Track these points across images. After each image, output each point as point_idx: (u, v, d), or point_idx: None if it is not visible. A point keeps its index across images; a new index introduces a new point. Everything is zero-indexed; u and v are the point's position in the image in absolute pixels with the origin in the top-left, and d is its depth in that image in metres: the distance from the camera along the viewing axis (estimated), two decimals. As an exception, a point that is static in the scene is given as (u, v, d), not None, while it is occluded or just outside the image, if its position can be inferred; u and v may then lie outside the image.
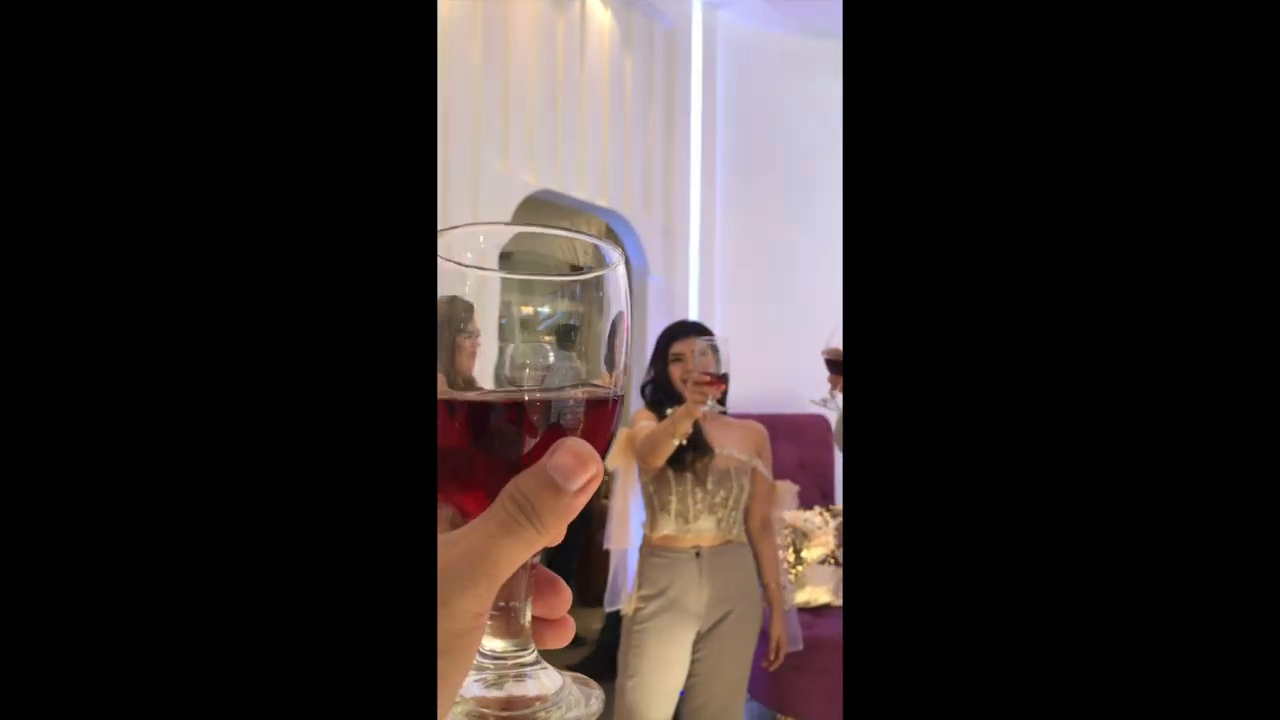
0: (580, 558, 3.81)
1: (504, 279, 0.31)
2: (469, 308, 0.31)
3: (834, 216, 3.51)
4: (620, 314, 0.32)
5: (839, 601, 2.77)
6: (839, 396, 1.95)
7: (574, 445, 0.29)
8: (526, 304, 0.32)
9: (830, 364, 1.96)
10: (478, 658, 0.31)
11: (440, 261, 0.30)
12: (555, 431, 0.30)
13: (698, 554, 2.03)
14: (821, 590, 2.79)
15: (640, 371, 2.21)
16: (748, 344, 2.65)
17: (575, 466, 0.28)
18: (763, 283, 3.59)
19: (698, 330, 2.08)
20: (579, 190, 2.95)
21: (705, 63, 3.49)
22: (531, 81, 2.74)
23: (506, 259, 0.32)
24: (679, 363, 2.06)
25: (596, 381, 0.32)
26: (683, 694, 2.07)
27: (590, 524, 3.52)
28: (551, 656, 0.34)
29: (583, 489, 0.28)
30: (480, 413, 0.31)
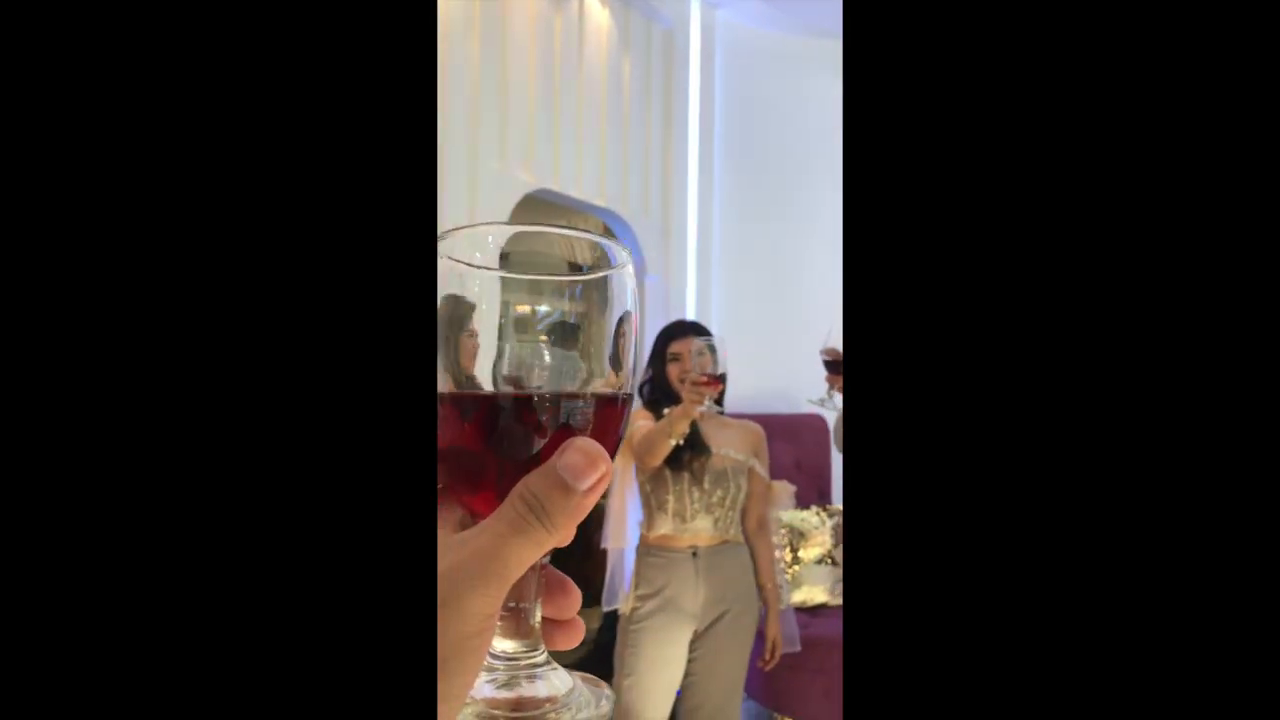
0: (579, 557, 3.80)
1: (511, 279, 0.31)
2: (475, 309, 0.31)
3: (832, 216, 3.51)
4: (627, 314, 0.32)
5: (836, 601, 2.77)
6: (837, 396, 1.95)
7: (584, 445, 0.29)
8: (538, 304, 0.32)
9: (828, 364, 1.96)
10: (488, 659, 0.31)
11: (449, 262, 0.30)
12: (565, 431, 0.30)
13: (694, 553, 2.03)
14: (818, 590, 2.79)
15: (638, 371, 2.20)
16: (745, 344, 2.66)
17: (585, 466, 0.28)
18: (760, 282, 3.58)
19: (695, 330, 2.08)
20: (576, 190, 2.95)
21: (703, 62, 3.48)
22: (529, 81, 2.73)
23: (505, 259, 0.32)
24: (676, 362, 2.06)
25: (604, 381, 0.32)
26: (679, 693, 2.07)
27: (588, 523, 3.50)
28: (550, 655, 0.34)
29: (592, 488, 0.28)
30: (490, 412, 0.31)
